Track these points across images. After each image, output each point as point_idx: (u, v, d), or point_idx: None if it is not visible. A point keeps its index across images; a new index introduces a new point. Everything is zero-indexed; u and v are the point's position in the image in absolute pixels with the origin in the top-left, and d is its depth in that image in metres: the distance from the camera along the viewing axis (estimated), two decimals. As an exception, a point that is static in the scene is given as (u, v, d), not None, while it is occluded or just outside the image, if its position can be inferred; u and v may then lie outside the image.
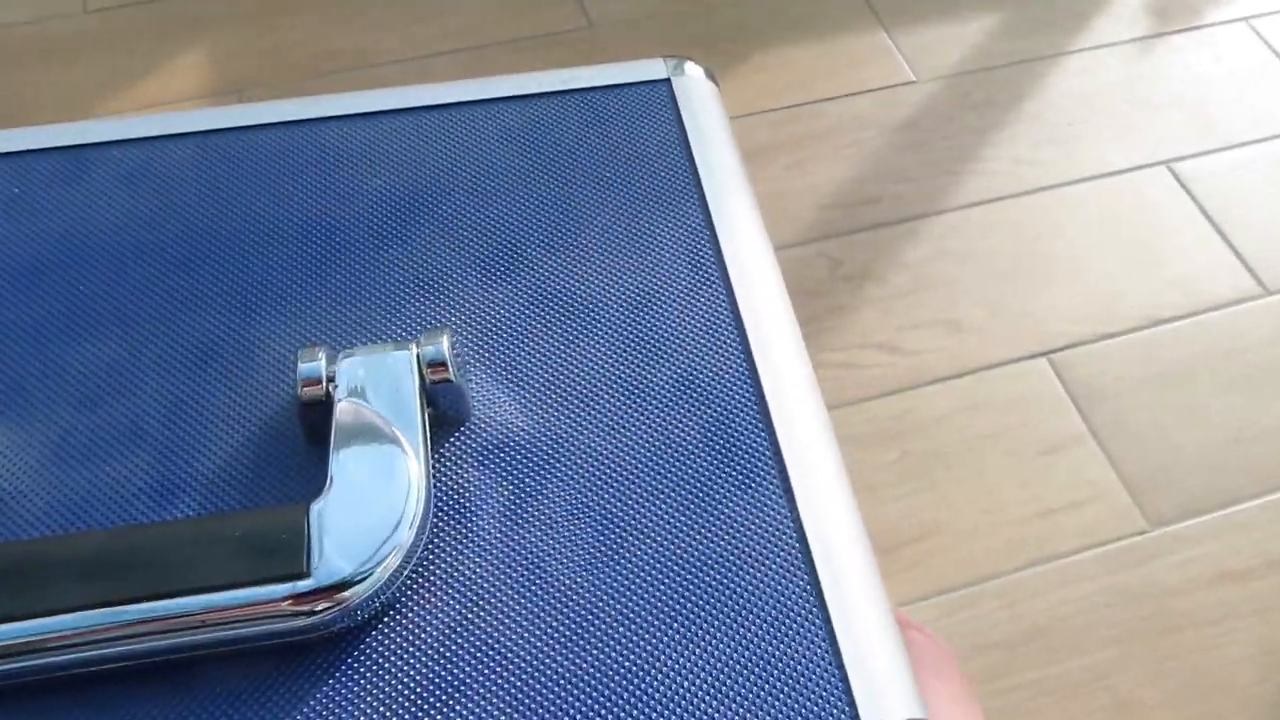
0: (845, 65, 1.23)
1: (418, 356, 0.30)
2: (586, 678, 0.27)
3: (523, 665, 0.27)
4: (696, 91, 0.40)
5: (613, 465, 0.31)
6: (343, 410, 0.29)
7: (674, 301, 0.34)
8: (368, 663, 0.27)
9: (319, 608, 0.26)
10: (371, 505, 0.27)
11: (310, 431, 0.30)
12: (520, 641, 0.27)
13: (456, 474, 0.30)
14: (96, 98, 1.16)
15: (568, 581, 0.28)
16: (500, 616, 0.28)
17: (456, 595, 0.28)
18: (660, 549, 0.29)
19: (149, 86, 1.18)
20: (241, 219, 0.36)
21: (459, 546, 0.29)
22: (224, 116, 0.39)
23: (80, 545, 0.26)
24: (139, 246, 0.35)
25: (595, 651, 0.27)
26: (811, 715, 0.26)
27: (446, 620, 0.28)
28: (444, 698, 0.26)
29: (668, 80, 0.40)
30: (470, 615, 0.28)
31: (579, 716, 0.26)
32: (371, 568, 0.26)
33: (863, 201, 1.09)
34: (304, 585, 0.26)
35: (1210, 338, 1.00)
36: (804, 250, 1.04)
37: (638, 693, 0.26)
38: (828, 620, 0.28)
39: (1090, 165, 1.13)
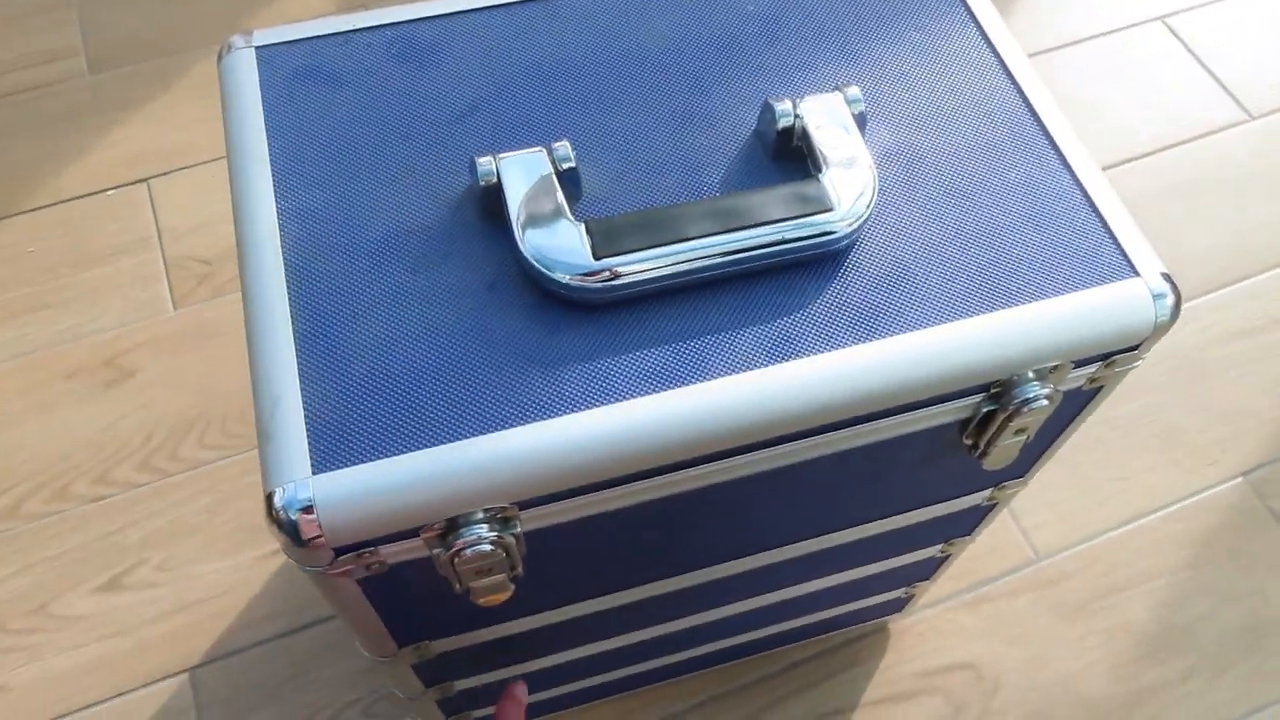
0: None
1: (846, 98, 0.49)
2: (967, 248, 0.47)
3: (925, 244, 0.47)
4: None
5: (955, 158, 0.50)
6: (816, 129, 0.48)
7: (966, 60, 0.54)
8: (854, 261, 0.47)
9: (838, 229, 0.45)
10: (851, 178, 0.46)
11: (779, 150, 0.49)
12: (925, 236, 0.47)
13: (879, 166, 0.50)
14: (228, 19, 1.30)
15: (946, 215, 0.48)
16: (911, 235, 0.47)
17: (890, 227, 0.48)
18: (1000, 190, 0.49)
19: (271, 7, 1.32)
20: (668, 37, 0.54)
21: (888, 203, 0.49)
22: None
23: (702, 205, 0.45)
24: (620, 58, 0.53)
25: (969, 239, 0.47)
26: (1109, 271, 0.47)
27: (884, 236, 0.47)
28: (895, 278, 0.46)
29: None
30: (897, 230, 0.47)
31: (971, 257, 0.46)
32: (857, 210, 0.46)
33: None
34: (831, 215, 0.45)
35: (1208, 158, 1.22)
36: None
37: (1006, 256, 0.47)
38: (1104, 221, 0.48)
39: (1094, 26, 1.33)
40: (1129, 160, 1.22)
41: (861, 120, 0.49)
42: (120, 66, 1.26)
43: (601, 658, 0.72)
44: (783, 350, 0.45)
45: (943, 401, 0.48)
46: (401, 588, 0.49)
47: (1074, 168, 0.50)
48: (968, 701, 0.88)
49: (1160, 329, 0.48)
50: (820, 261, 0.47)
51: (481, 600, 0.49)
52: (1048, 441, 0.59)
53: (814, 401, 0.44)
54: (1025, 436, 0.51)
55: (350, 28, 0.54)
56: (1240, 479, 0.99)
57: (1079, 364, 0.48)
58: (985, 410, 0.49)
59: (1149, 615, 0.92)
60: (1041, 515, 0.97)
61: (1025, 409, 0.48)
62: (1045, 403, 0.48)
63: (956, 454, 0.54)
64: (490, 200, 0.47)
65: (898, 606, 0.86)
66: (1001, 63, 0.54)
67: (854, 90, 0.49)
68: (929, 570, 0.78)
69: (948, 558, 0.76)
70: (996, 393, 0.48)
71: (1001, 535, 0.96)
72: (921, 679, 0.89)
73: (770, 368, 0.44)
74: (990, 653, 0.90)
